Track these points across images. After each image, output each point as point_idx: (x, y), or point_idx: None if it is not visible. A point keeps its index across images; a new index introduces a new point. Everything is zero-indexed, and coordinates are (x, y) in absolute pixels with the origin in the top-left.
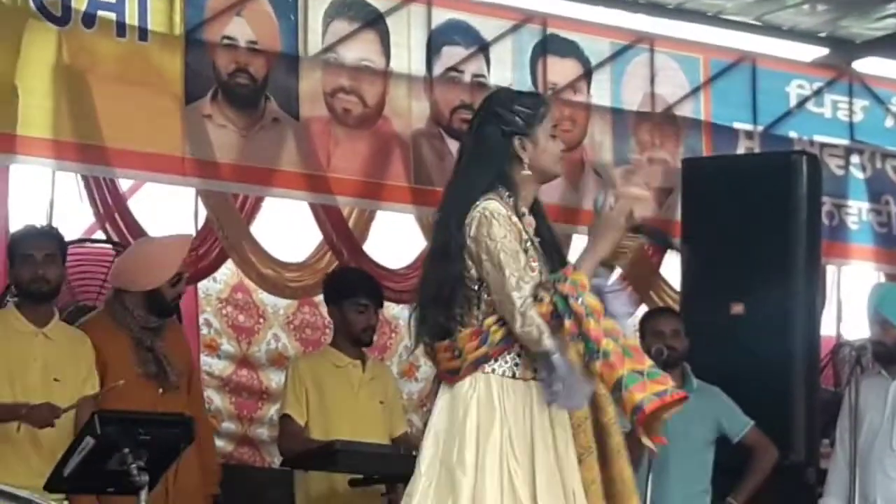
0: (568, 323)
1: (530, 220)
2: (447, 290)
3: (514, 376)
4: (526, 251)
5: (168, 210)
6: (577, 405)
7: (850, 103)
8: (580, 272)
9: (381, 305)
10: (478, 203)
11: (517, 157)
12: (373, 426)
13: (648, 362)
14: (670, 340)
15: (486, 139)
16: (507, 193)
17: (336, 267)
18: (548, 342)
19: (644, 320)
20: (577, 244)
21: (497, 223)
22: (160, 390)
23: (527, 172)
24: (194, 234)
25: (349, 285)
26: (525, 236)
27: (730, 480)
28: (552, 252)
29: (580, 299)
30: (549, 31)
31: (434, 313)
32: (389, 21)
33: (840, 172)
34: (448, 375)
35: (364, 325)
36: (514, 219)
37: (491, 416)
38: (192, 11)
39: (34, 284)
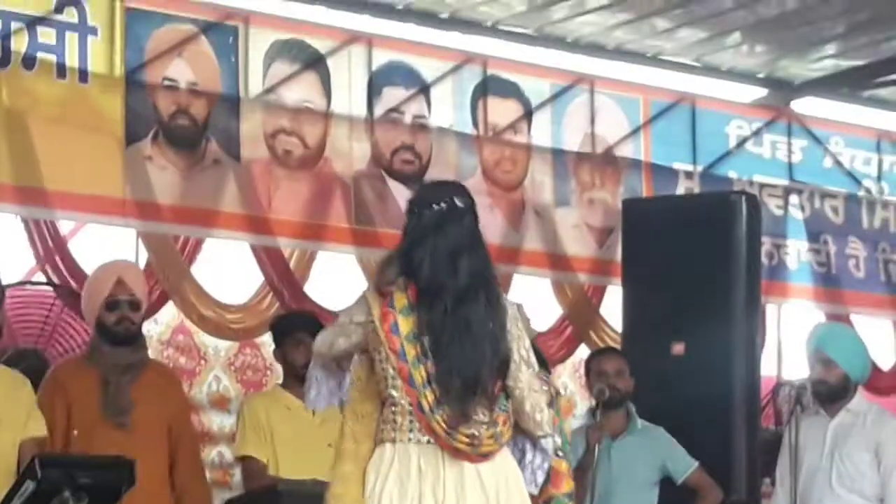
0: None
1: None
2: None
3: None
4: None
5: (109, 252)
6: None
7: (789, 143)
8: None
9: None
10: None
11: None
12: (320, 470)
13: (564, 488)
14: (614, 380)
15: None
16: None
17: (284, 308)
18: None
19: (589, 360)
20: (517, 283)
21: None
22: (117, 435)
23: None
24: None
25: (288, 324)
26: None
27: None
28: None
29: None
30: (490, 72)
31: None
32: (330, 62)
33: (779, 212)
34: (479, 457)
35: (303, 361)
36: None
37: None
38: (133, 53)
39: None
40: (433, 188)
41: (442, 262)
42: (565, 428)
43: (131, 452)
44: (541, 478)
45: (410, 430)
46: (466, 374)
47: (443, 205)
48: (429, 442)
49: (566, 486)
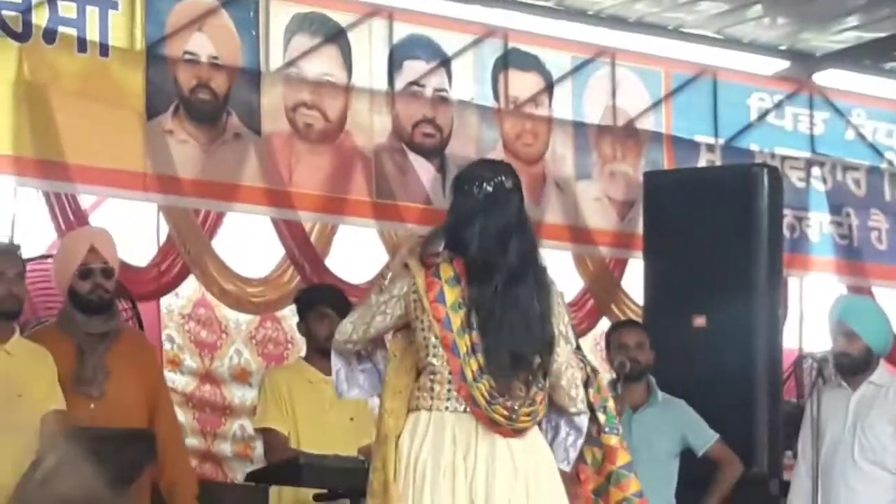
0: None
1: None
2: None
3: None
4: None
5: (130, 226)
6: None
7: (811, 116)
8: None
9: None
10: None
11: None
12: (341, 443)
13: (619, 461)
14: (635, 353)
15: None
16: None
17: (305, 282)
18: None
19: (609, 333)
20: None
21: None
22: (91, 405)
23: None
24: (156, 250)
25: (312, 297)
26: None
27: (694, 493)
28: None
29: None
30: (511, 45)
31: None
32: (351, 36)
33: (801, 185)
34: (513, 432)
35: (326, 334)
36: None
37: None
38: (153, 27)
39: (6, 303)
40: (482, 166)
41: (492, 241)
42: (609, 405)
43: (106, 422)
44: (573, 455)
45: (448, 399)
46: (516, 349)
47: (492, 184)
48: (465, 411)
49: (621, 459)
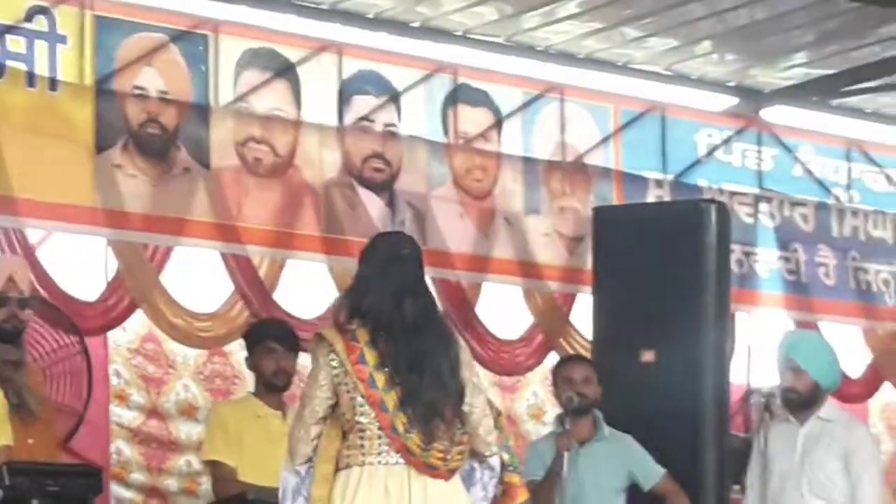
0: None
1: None
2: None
3: None
4: None
5: (78, 260)
6: None
7: (759, 152)
8: None
9: (296, 351)
10: None
11: None
12: None
13: (519, 499)
14: (582, 387)
15: None
16: None
17: (254, 317)
18: None
19: (556, 368)
20: (487, 291)
21: None
22: (29, 440)
23: None
24: (105, 284)
25: (259, 332)
26: None
27: None
28: None
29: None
30: (460, 80)
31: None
32: (300, 70)
33: (749, 220)
34: (447, 472)
35: (273, 368)
36: None
37: None
38: (103, 62)
39: None
40: (382, 237)
41: (388, 302)
42: (510, 444)
43: (38, 439)
44: (492, 492)
45: (379, 453)
46: (431, 400)
47: (388, 252)
48: (397, 463)
49: (521, 496)
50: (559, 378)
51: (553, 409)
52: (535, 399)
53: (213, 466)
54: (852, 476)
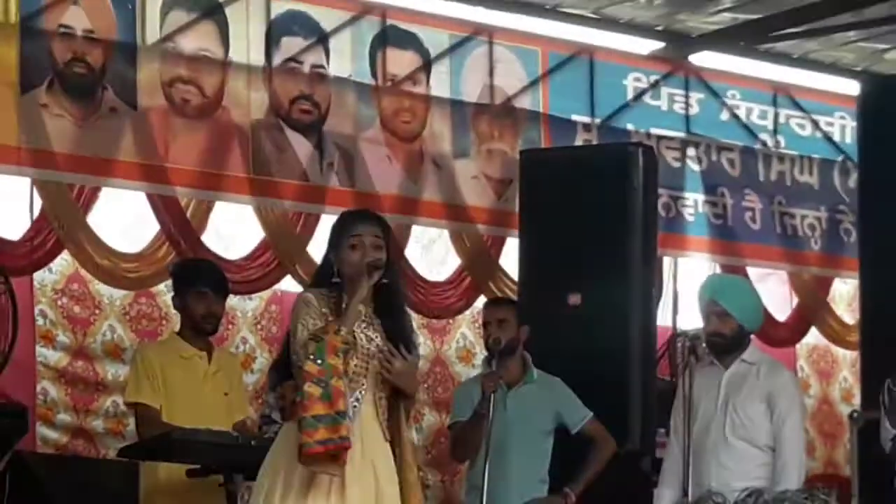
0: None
1: (360, 311)
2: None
3: None
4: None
5: (2, 200)
6: None
7: (687, 96)
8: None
9: (226, 295)
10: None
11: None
12: (215, 418)
13: (339, 407)
14: (501, 330)
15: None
16: (328, 292)
17: (180, 258)
18: None
19: (483, 309)
20: (416, 234)
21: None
22: None
23: (336, 279)
24: (29, 224)
25: (190, 273)
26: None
27: (568, 470)
28: (395, 337)
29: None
30: (389, 22)
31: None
32: (228, 11)
33: (676, 165)
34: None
35: (203, 312)
36: (324, 310)
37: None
38: (28, 0)
39: None
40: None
41: None
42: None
43: None
44: None
45: None
46: None
47: None
48: None
49: (315, 409)
50: (484, 319)
51: (482, 352)
52: (464, 341)
53: (138, 408)
54: (775, 418)
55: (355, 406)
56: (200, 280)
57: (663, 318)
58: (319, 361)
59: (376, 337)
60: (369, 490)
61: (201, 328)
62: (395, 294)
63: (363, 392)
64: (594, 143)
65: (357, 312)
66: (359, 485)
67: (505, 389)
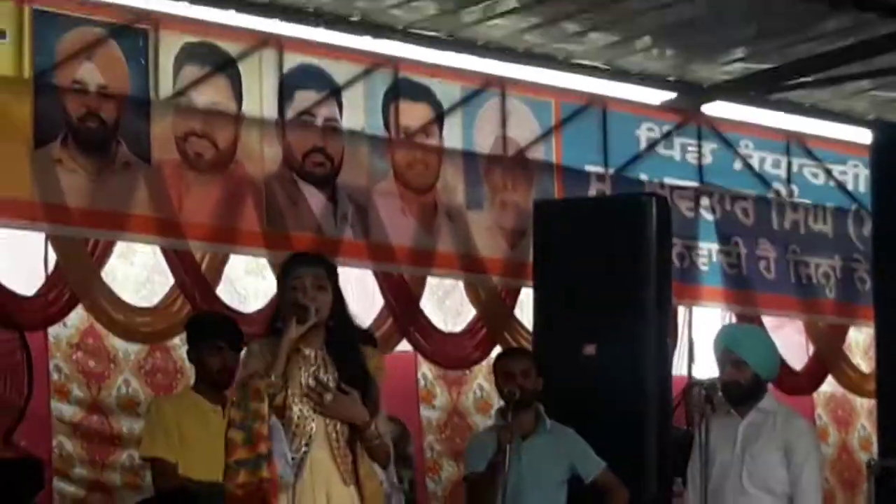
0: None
1: (307, 354)
2: None
3: None
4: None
5: (17, 255)
6: None
7: (699, 146)
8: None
9: (240, 348)
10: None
11: None
12: None
13: (260, 451)
14: (521, 380)
15: None
16: (275, 339)
17: (195, 312)
18: None
19: (496, 362)
20: (431, 285)
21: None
22: None
23: (279, 325)
24: (44, 279)
25: (206, 327)
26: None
27: None
28: (345, 376)
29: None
30: (401, 75)
31: None
32: (241, 65)
33: (690, 214)
34: None
35: (219, 367)
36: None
37: None
38: (41, 56)
39: None
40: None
41: None
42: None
43: None
44: None
45: None
46: None
47: None
48: None
49: (237, 454)
50: (499, 372)
51: (500, 403)
52: (481, 392)
53: (154, 463)
54: (792, 467)
55: (305, 451)
56: (215, 334)
57: (678, 367)
58: (242, 407)
59: (328, 379)
60: None
61: (216, 382)
62: (343, 334)
63: (311, 437)
64: (607, 193)
65: (305, 357)
66: None
67: (520, 441)
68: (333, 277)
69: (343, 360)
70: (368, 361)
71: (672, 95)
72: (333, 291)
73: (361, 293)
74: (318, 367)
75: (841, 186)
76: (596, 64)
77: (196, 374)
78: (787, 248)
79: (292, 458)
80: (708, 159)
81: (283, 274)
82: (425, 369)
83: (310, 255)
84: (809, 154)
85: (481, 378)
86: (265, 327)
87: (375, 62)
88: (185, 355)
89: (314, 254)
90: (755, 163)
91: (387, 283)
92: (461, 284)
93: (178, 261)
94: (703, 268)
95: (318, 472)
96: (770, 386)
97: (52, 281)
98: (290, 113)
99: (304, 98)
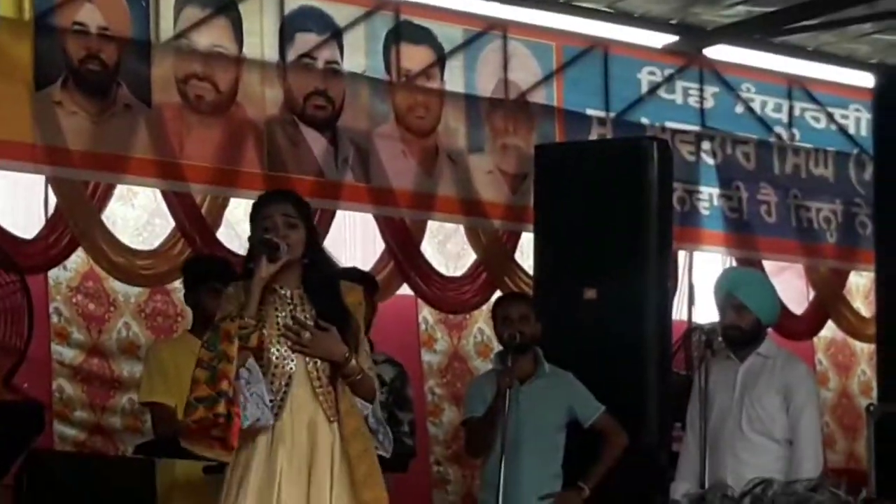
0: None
1: (284, 294)
2: None
3: None
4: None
5: (18, 197)
6: None
7: (701, 90)
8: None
9: None
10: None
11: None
12: None
13: (221, 388)
14: (519, 325)
15: None
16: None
17: (192, 254)
18: None
19: (494, 307)
20: (432, 229)
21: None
22: None
23: (251, 265)
24: (44, 221)
25: (203, 270)
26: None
27: (581, 464)
28: (323, 314)
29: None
30: (403, 17)
31: None
32: (242, 7)
33: (691, 158)
34: None
35: (216, 309)
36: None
37: None
38: None
39: None
40: None
41: None
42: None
43: None
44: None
45: None
46: None
47: None
48: None
49: (198, 391)
50: (498, 316)
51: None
52: (481, 336)
53: (153, 408)
54: (791, 412)
55: (285, 390)
56: (212, 276)
57: (679, 311)
58: (211, 348)
59: (305, 317)
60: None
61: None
62: (319, 272)
63: (291, 377)
64: (609, 137)
65: (281, 296)
66: (296, 487)
67: (518, 385)
68: (305, 213)
69: (320, 296)
70: (346, 296)
71: (674, 39)
72: (307, 228)
73: (362, 237)
74: (294, 307)
75: (842, 130)
76: (598, 7)
77: (193, 317)
78: (788, 192)
79: (271, 401)
80: (710, 103)
81: (254, 213)
82: (426, 313)
83: (279, 193)
84: (811, 98)
85: (482, 322)
86: (241, 269)
87: (377, 4)
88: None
89: (284, 191)
90: (756, 106)
91: (388, 226)
92: (462, 228)
93: (179, 204)
94: (704, 212)
95: (300, 411)
96: (770, 330)
97: (52, 224)
98: (291, 55)
99: (305, 40)
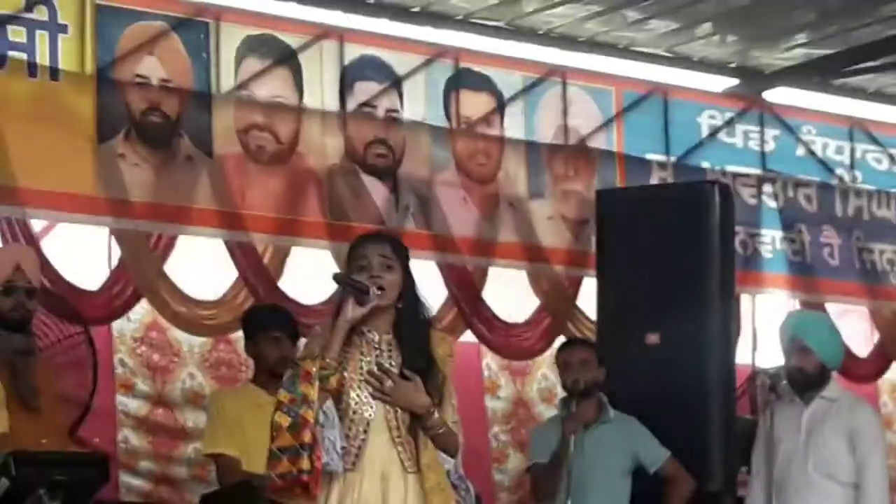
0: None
1: (373, 339)
2: None
3: None
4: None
5: (81, 250)
6: None
7: (762, 133)
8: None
9: (297, 338)
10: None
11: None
12: None
13: (303, 439)
14: (582, 371)
15: None
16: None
17: (252, 304)
18: None
19: (558, 352)
20: (493, 276)
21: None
22: (33, 426)
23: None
24: (108, 273)
25: (262, 318)
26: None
27: None
28: (408, 360)
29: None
30: (462, 65)
31: None
32: (302, 57)
33: (753, 202)
34: None
35: (276, 357)
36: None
37: None
38: (104, 51)
39: None
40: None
41: None
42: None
43: (45, 431)
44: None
45: None
46: None
47: None
48: None
49: (281, 440)
50: (560, 363)
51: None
52: (545, 382)
53: (217, 459)
54: (858, 455)
55: (363, 438)
56: (271, 325)
57: (742, 355)
58: (291, 389)
59: (391, 365)
60: None
61: (275, 373)
62: (410, 317)
63: (369, 424)
64: (670, 181)
65: (369, 341)
66: None
67: (582, 430)
68: (403, 256)
69: (408, 344)
70: (437, 347)
71: (734, 82)
72: (403, 272)
73: (424, 284)
74: (381, 352)
75: None
76: (657, 51)
77: (255, 367)
78: (850, 234)
79: (342, 448)
80: (770, 146)
81: (351, 253)
82: (489, 359)
83: (377, 234)
84: (872, 139)
85: (545, 368)
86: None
87: (436, 52)
88: None
89: (382, 232)
90: (818, 149)
91: (450, 273)
92: (524, 274)
93: (241, 253)
94: (767, 255)
95: (375, 460)
96: (834, 374)
97: (115, 275)
98: (351, 104)
99: (364, 89)
